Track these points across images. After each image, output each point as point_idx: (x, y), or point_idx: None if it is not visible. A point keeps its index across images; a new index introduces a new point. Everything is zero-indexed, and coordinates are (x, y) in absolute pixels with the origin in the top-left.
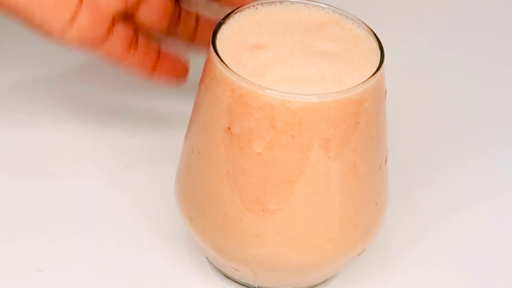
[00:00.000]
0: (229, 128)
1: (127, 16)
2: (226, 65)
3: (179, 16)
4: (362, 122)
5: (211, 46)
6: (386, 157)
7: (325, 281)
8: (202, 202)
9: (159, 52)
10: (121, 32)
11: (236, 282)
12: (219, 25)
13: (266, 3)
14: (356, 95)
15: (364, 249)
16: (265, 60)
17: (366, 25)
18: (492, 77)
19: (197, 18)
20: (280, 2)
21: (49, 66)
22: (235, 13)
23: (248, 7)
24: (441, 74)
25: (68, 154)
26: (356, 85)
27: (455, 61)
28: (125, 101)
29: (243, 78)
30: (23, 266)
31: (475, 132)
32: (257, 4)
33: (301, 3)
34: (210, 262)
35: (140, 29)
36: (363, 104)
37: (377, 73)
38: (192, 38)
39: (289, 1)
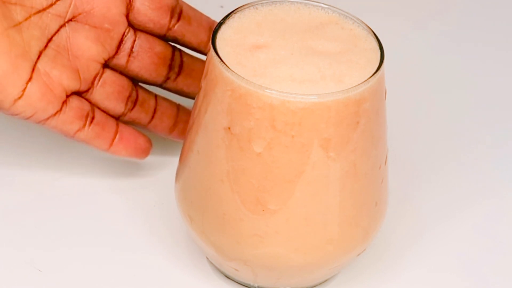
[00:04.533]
0: (229, 128)
1: (82, 93)
2: (226, 65)
3: (137, 99)
4: (362, 122)
5: (211, 46)
6: (386, 157)
7: (325, 281)
8: (202, 202)
9: (117, 127)
10: (76, 105)
11: (236, 282)
12: (219, 25)
13: (266, 3)
14: (356, 95)
15: (364, 249)
16: (265, 60)
17: (366, 25)
18: (492, 77)
19: (156, 100)
20: (280, 2)
21: None
22: (235, 13)
23: (248, 7)
24: (441, 74)
25: (68, 154)
26: (356, 85)
27: (455, 61)
28: None
29: (243, 78)
30: (23, 266)
31: (475, 132)
32: (257, 4)
33: (301, 3)
34: (210, 262)
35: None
36: (363, 104)
37: (377, 73)
38: (150, 121)
39: (289, 1)
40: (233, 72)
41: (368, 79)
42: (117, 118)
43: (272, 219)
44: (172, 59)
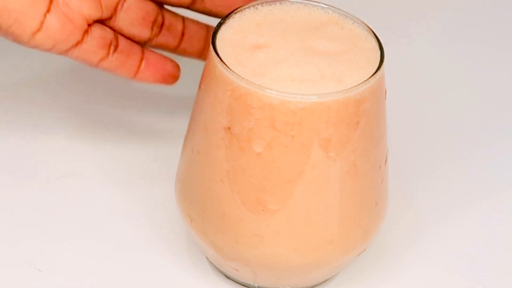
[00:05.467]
0: (229, 128)
1: (105, 21)
2: (226, 65)
3: (163, 23)
4: (362, 122)
5: (211, 46)
6: (386, 157)
7: (325, 281)
8: (202, 202)
9: (143, 53)
10: (98, 34)
11: (236, 282)
12: (219, 25)
13: (266, 3)
14: (356, 95)
15: (364, 249)
16: (265, 60)
17: (366, 25)
18: (492, 77)
19: (184, 23)
20: (280, 2)
21: (48, 67)
22: (235, 13)
23: (248, 7)
24: (441, 74)
25: (68, 155)
26: (356, 85)
27: (455, 61)
28: (125, 101)
29: (243, 78)
30: (23, 266)
31: (475, 132)
32: (257, 4)
33: (301, 3)
34: (210, 262)
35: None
36: (363, 104)
37: (377, 73)
38: (178, 45)
39: (289, 1)
40: (233, 72)
41: (368, 79)
42: (144, 44)
43: (272, 219)
44: None
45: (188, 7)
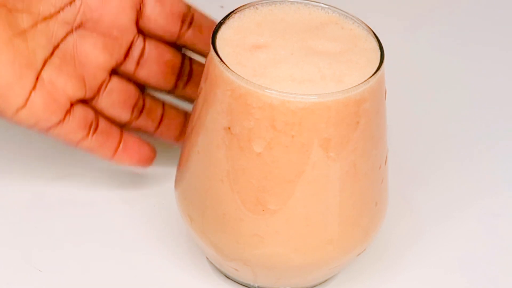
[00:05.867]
0: (229, 128)
1: (87, 101)
2: (226, 65)
3: (143, 107)
4: (362, 122)
5: (211, 46)
6: (386, 157)
7: (325, 281)
8: (202, 202)
9: (121, 136)
10: (80, 114)
11: (236, 282)
12: (219, 25)
13: (266, 3)
14: (356, 95)
15: (364, 249)
16: (265, 60)
17: (366, 25)
18: (492, 77)
19: (163, 108)
20: (280, 2)
21: None
22: (235, 13)
23: (248, 7)
24: (441, 74)
25: (68, 154)
26: (356, 85)
27: (455, 61)
28: None
29: (243, 78)
30: (23, 266)
31: (475, 132)
32: (257, 4)
33: (301, 3)
34: (210, 262)
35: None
36: (363, 104)
37: (377, 73)
38: (156, 129)
39: (289, 1)
40: (233, 72)
41: (368, 79)
42: (123, 126)
43: (272, 219)
44: (181, 67)
45: (168, 93)
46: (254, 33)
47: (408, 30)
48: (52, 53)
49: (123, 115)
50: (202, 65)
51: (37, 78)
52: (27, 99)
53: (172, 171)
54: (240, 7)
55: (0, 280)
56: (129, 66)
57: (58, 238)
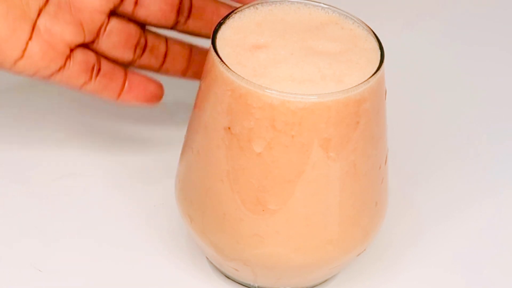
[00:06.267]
0: (229, 128)
1: (88, 44)
2: (226, 65)
3: (146, 45)
4: (362, 122)
5: (211, 46)
6: (386, 157)
7: (325, 281)
8: (202, 202)
9: (126, 76)
10: (80, 59)
11: (236, 282)
12: (219, 25)
13: (266, 3)
14: (356, 95)
15: (364, 249)
16: (265, 60)
17: (366, 25)
18: (492, 77)
19: (167, 44)
20: (280, 2)
21: None
22: (235, 13)
23: (248, 7)
24: (441, 74)
25: (68, 154)
26: (356, 85)
27: (455, 61)
28: None
29: (243, 78)
30: (23, 266)
31: (475, 132)
32: (257, 4)
33: (301, 3)
34: (210, 262)
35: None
36: (363, 104)
37: (377, 73)
38: (161, 66)
39: (289, 1)
40: (233, 72)
41: (368, 79)
42: (126, 66)
43: (272, 219)
44: (181, 2)
45: (171, 29)
46: (254, 33)
47: (408, 30)
48: (46, 2)
49: (126, 55)
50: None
51: (32, 28)
52: (24, 50)
53: (172, 171)
54: (240, 7)
55: (0, 280)
56: (127, 7)
57: (58, 238)
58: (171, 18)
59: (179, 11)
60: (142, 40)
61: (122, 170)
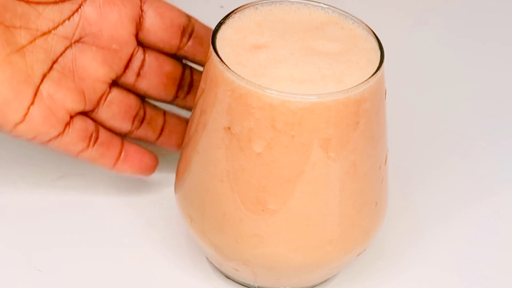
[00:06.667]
0: (229, 128)
1: (87, 113)
2: (226, 65)
3: (144, 117)
4: (362, 122)
5: (211, 46)
6: (386, 157)
7: (325, 281)
8: (202, 202)
9: (122, 145)
10: (80, 126)
11: (236, 282)
12: (219, 25)
13: (266, 3)
14: (356, 95)
15: (364, 249)
16: (265, 60)
17: (366, 25)
18: (492, 77)
19: (164, 117)
20: (280, 2)
21: None
22: (235, 13)
23: (248, 7)
24: (441, 74)
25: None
26: (356, 85)
27: (455, 61)
28: None
29: (243, 78)
30: (23, 266)
31: (475, 132)
32: (257, 4)
33: (301, 3)
34: (210, 262)
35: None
36: (363, 104)
37: (377, 73)
38: (157, 138)
39: (289, 1)
40: (233, 72)
41: (368, 79)
42: (124, 136)
43: (272, 219)
44: (182, 78)
45: (170, 103)
46: (254, 33)
47: (408, 30)
48: (50, 68)
49: (124, 126)
50: None
51: (35, 93)
52: (26, 114)
53: (172, 171)
54: (240, 7)
55: (0, 280)
56: (129, 78)
57: (58, 239)
58: (171, 92)
59: (179, 86)
60: (141, 112)
61: None
